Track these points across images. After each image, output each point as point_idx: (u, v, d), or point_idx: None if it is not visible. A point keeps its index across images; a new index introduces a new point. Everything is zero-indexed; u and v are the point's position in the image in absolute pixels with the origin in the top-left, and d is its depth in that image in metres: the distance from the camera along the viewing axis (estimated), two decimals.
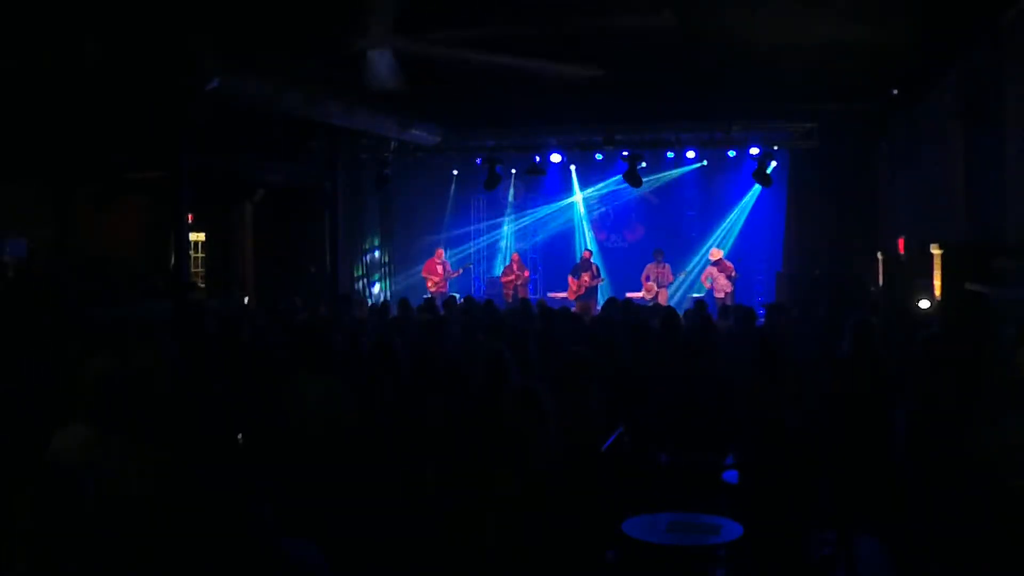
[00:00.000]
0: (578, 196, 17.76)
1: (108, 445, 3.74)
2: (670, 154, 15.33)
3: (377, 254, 17.34)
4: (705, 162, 16.21)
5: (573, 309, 12.67)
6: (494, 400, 5.01)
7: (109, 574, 2.96)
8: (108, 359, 4.14)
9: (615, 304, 10.48)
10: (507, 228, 18.57)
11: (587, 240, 17.75)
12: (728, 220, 16.67)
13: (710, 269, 15.14)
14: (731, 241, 16.56)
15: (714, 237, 16.52)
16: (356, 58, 8.38)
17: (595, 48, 9.20)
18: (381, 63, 8.28)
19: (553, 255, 18.19)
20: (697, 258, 16.60)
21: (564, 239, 18.15)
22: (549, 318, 8.79)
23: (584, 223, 17.82)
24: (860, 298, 12.14)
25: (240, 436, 5.29)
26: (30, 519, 2.59)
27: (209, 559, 2.73)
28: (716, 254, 15.31)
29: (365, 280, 16.81)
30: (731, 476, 5.59)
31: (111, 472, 3.55)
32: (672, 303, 14.45)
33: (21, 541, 2.58)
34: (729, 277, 14.82)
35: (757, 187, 15.48)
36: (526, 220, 18.46)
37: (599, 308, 14.06)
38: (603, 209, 17.79)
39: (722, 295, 14.61)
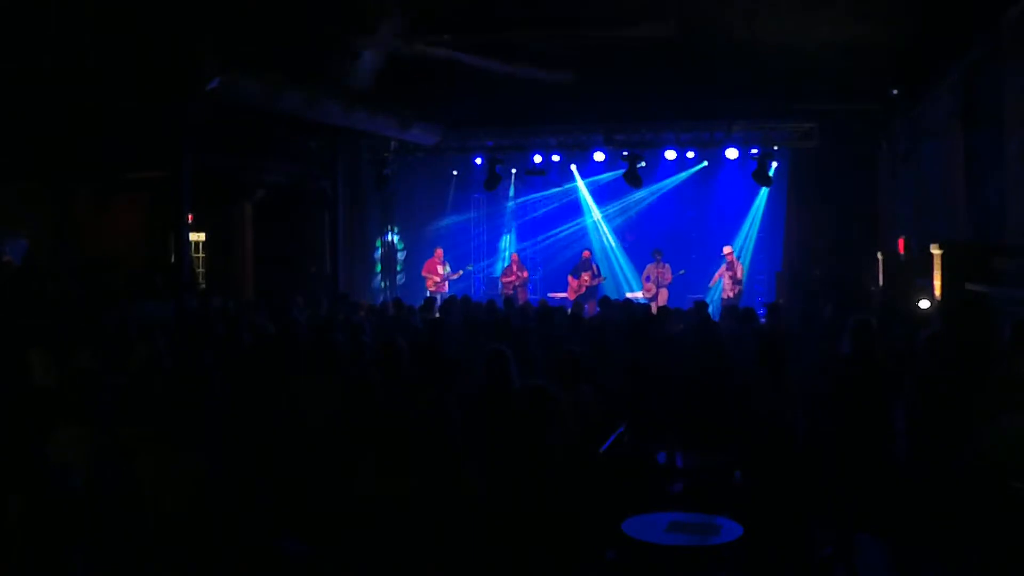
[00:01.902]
0: (585, 195, 17.68)
1: (105, 445, 3.74)
2: (671, 155, 15.26)
3: (379, 254, 17.33)
4: (706, 163, 16.19)
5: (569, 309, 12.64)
6: (496, 399, 5.02)
7: (107, 573, 2.96)
8: (104, 359, 4.15)
9: (609, 304, 10.50)
10: (507, 228, 18.56)
11: (609, 243, 17.68)
12: (745, 226, 16.58)
13: (723, 268, 15.07)
14: (751, 245, 16.48)
15: (736, 243, 16.37)
16: (356, 58, 8.39)
17: (595, 48, 9.20)
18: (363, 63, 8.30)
19: (553, 255, 18.18)
20: (697, 258, 16.56)
21: (564, 239, 18.12)
22: (545, 318, 8.78)
23: (603, 225, 17.72)
24: (860, 298, 12.14)
25: (239, 435, 5.28)
26: (28, 518, 2.59)
27: (209, 558, 2.73)
28: (727, 251, 15.22)
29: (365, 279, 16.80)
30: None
31: (109, 472, 3.55)
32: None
33: (18, 539, 2.58)
34: (734, 278, 14.73)
35: (764, 189, 15.44)
36: (526, 220, 18.44)
37: (598, 308, 14.08)
38: (618, 223, 17.73)
39: (727, 295, 14.59)
